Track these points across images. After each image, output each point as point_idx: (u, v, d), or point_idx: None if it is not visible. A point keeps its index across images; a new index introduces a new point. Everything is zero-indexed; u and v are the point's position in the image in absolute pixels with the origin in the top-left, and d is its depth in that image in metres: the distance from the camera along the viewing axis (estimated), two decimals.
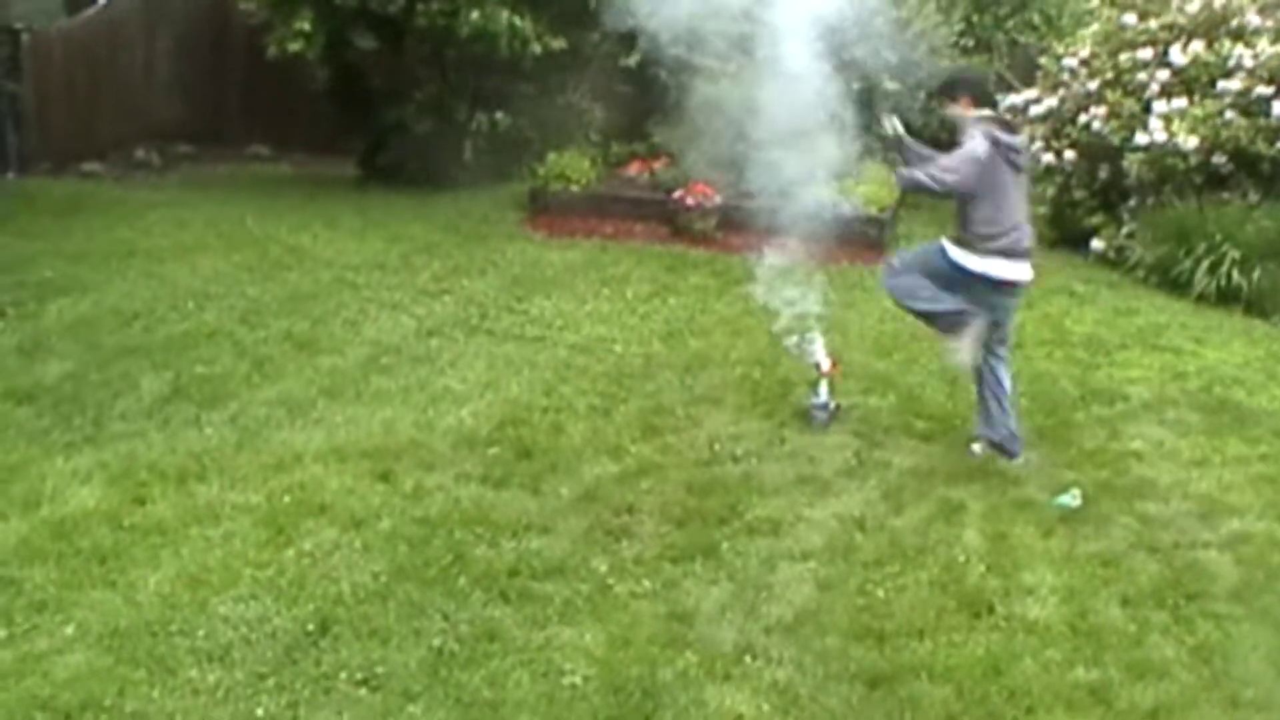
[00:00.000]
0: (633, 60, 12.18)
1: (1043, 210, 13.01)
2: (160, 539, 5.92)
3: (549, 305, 9.92)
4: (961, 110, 7.10)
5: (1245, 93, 11.28)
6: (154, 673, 4.91)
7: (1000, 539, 6.32)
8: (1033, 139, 12.72)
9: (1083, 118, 12.21)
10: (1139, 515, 6.66)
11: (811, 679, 5.10)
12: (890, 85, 7.28)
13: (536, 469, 6.90)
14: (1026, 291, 7.48)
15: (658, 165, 13.40)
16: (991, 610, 5.65)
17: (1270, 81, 11.24)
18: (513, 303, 9.95)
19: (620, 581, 5.77)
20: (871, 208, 12.08)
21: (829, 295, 8.51)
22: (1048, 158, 12.55)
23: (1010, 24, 14.84)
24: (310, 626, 5.26)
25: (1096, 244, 12.05)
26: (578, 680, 5.00)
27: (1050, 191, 12.76)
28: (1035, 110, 12.82)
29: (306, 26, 13.06)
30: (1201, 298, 10.73)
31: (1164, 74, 11.74)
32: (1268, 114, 11.12)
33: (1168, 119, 11.40)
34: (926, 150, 7.27)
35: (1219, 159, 11.25)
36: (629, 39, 11.36)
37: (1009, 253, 6.98)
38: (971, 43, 14.70)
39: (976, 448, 7.34)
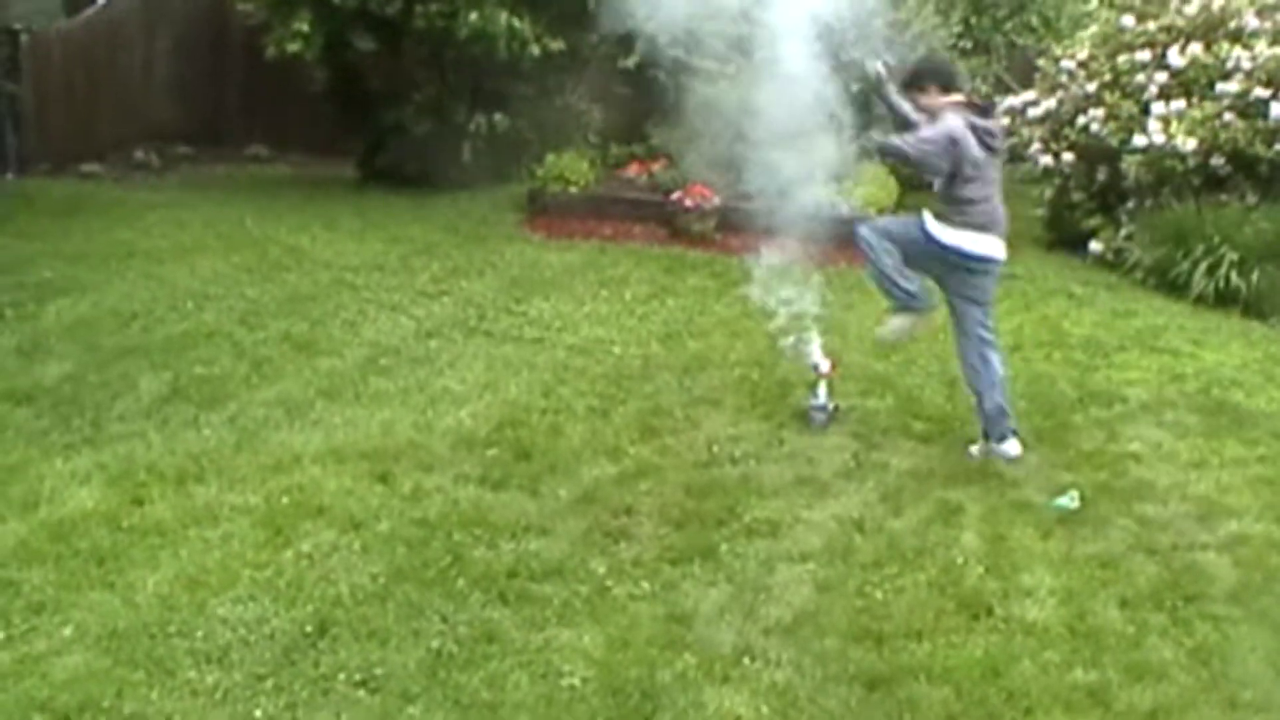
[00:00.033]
0: (631, 62, 12.19)
1: (1041, 212, 13.05)
2: (159, 540, 5.91)
3: (547, 307, 9.92)
4: (931, 100, 7.16)
5: (1243, 95, 11.29)
6: (152, 674, 4.91)
7: (999, 541, 6.32)
8: (1031, 141, 12.75)
9: (1081, 120, 12.22)
10: (1137, 517, 6.66)
11: (810, 680, 5.10)
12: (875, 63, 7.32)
13: (535, 470, 6.90)
14: (1001, 272, 7.53)
15: (656, 167, 13.41)
16: (990, 612, 5.65)
17: (1268, 84, 11.24)
18: (511, 304, 9.95)
19: (619, 583, 5.77)
20: (870, 209, 12.07)
21: (827, 296, 8.50)
22: (1046, 160, 12.56)
23: (1009, 26, 14.84)
24: (309, 628, 5.25)
25: (1095, 246, 12.05)
26: (576, 682, 5.00)
27: (1048, 193, 12.79)
28: (1033, 112, 12.83)
29: (305, 27, 13.07)
30: (1200, 300, 10.73)
31: (1162, 76, 11.75)
32: (1266, 116, 11.13)
33: (1166, 121, 11.40)
34: (906, 105, 7.34)
35: (1217, 161, 11.25)
36: (628, 40, 11.36)
37: (982, 227, 7.11)
38: (970, 44, 14.70)
39: (975, 449, 7.35)
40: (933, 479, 7.03)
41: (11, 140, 14.24)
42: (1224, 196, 11.29)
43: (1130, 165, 11.58)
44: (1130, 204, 11.94)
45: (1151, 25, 12.27)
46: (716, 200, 12.19)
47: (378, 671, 4.99)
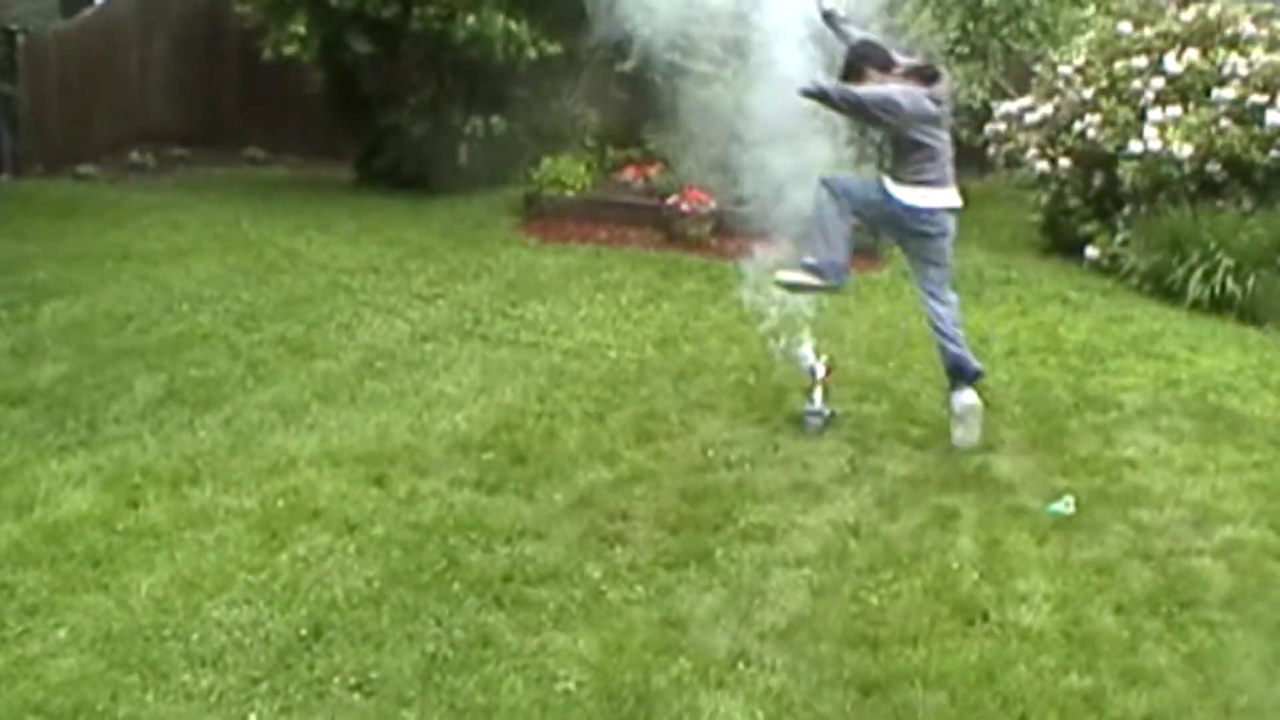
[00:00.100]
0: (628, 65, 12.19)
1: (1037, 218, 13.08)
2: (153, 543, 5.90)
3: (543, 310, 9.92)
4: (872, 84, 7.24)
5: (1239, 101, 11.31)
6: (147, 677, 4.89)
7: (994, 546, 6.32)
8: (1027, 146, 12.77)
9: (1077, 125, 12.23)
10: (1133, 523, 6.67)
11: (805, 685, 5.09)
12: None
13: (530, 474, 6.89)
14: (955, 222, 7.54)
15: (652, 171, 13.41)
16: (985, 617, 5.65)
17: (1264, 90, 11.27)
18: (507, 308, 9.95)
19: (614, 587, 5.76)
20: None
21: (821, 301, 8.50)
22: (1042, 165, 12.58)
23: (1005, 31, 14.82)
24: (303, 631, 5.24)
25: (1091, 251, 12.06)
26: (571, 686, 4.99)
27: (1044, 199, 12.80)
28: (1030, 118, 12.84)
29: (302, 30, 13.09)
30: (1195, 305, 10.75)
31: (1159, 82, 11.76)
32: (1262, 122, 11.15)
33: (1162, 127, 11.42)
34: (859, 33, 7.47)
35: (1213, 167, 11.27)
36: (624, 44, 11.37)
37: (936, 183, 7.26)
38: (967, 50, 14.68)
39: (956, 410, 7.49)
40: (928, 484, 7.03)
41: (7, 141, 14.25)
42: (1220, 203, 11.30)
43: (1126, 171, 11.60)
44: (1126, 210, 11.96)
45: (1148, 31, 12.29)
46: (713, 204, 12.20)
47: (373, 675, 4.98)
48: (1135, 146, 11.51)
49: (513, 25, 13.08)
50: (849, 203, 7.40)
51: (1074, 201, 12.46)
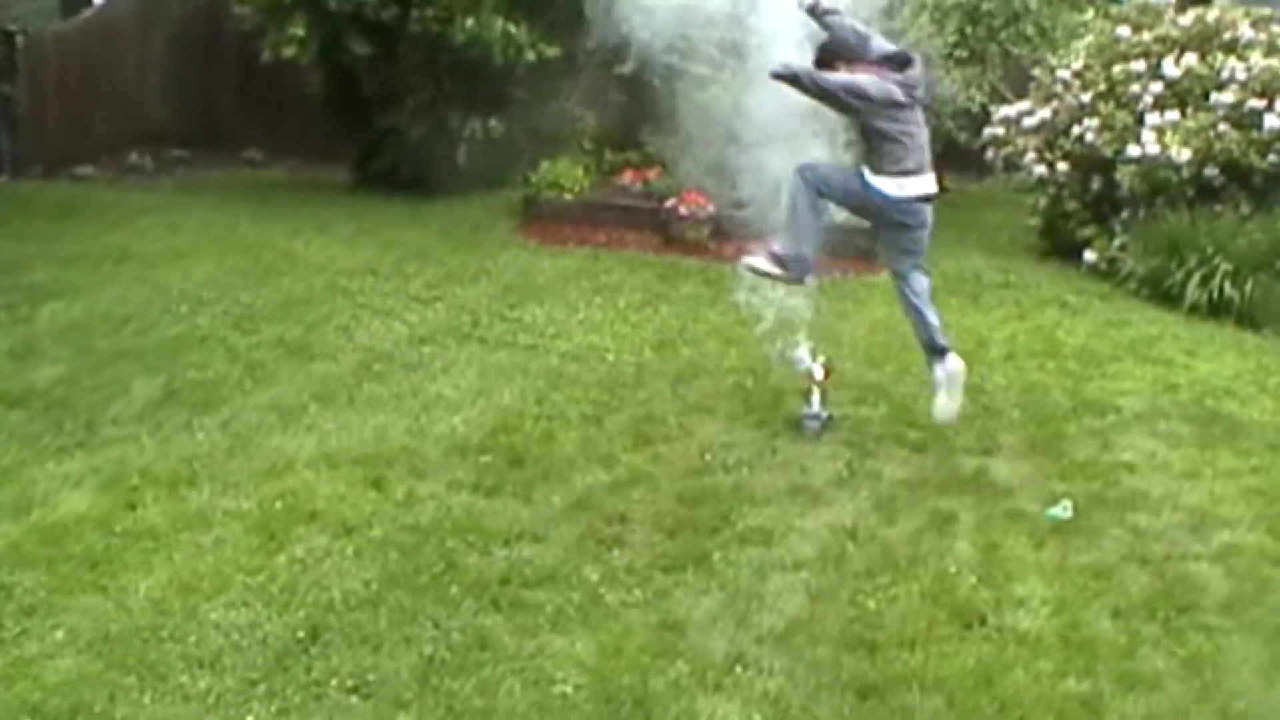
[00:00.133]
0: (626, 68, 12.19)
1: (1035, 221, 13.07)
2: (151, 544, 5.91)
3: (541, 313, 9.92)
4: (845, 74, 7.23)
5: (1238, 105, 11.31)
6: (144, 679, 4.90)
7: (992, 550, 6.33)
8: (1025, 150, 12.76)
9: (1076, 129, 12.22)
10: (1130, 527, 6.67)
11: (803, 689, 5.10)
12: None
13: (528, 477, 6.89)
14: (934, 209, 7.49)
15: (651, 174, 13.40)
16: (983, 621, 5.65)
17: (1262, 94, 11.27)
18: (505, 310, 9.94)
19: (611, 590, 5.76)
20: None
21: (820, 305, 8.50)
22: (1040, 169, 12.57)
23: (1004, 35, 14.82)
24: (301, 633, 5.25)
25: (1088, 255, 12.06)
26: (569, 689, 5.00)
27: (1043, 203, 12.79)
28: (1028, 122, 12.83)
29: (301, 32, 13.08)
30: (1193, 310, 10.75)
31: (1157, 86, 11.76)
32: (1260, 127, 11.16)
33: (1160, 131, 11.42)
34: (849, 26, 7.41)
35: (1211, 171, 11.28)
36: (623, 47, 11.37)
37: (912, 171, 7.21)
38: (965, 54, 14.69)
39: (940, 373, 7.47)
40: (926, 488, 7.03)
41: (6, 142, 14.25)
42: (1218, 207, 11.30)
43: (1125, 175, 11.60)
44: (1124, 214, 11.95)
45: (1146, 36, 12.29)
46: (711, 208, 12.19)
47: (370, 678, 4.99)
48: (1133, 151, 11.51)
49: (511, 28, 13.09)
50: (829, 191, 7.36)
51: (1072, 205, 12.46)
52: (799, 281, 7.61)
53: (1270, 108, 11.14)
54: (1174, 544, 6.50)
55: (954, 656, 5.36)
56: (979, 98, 14.33)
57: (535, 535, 6.23)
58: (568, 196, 13.09)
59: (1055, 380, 8.93)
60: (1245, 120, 11.27)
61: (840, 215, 11.41)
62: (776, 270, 7.47)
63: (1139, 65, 12.00)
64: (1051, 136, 12.58)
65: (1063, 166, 12.36)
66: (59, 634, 5.15)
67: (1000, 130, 13.22)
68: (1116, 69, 12.14)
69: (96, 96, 15.29)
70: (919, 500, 6.87)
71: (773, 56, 7.66)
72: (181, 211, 12.80)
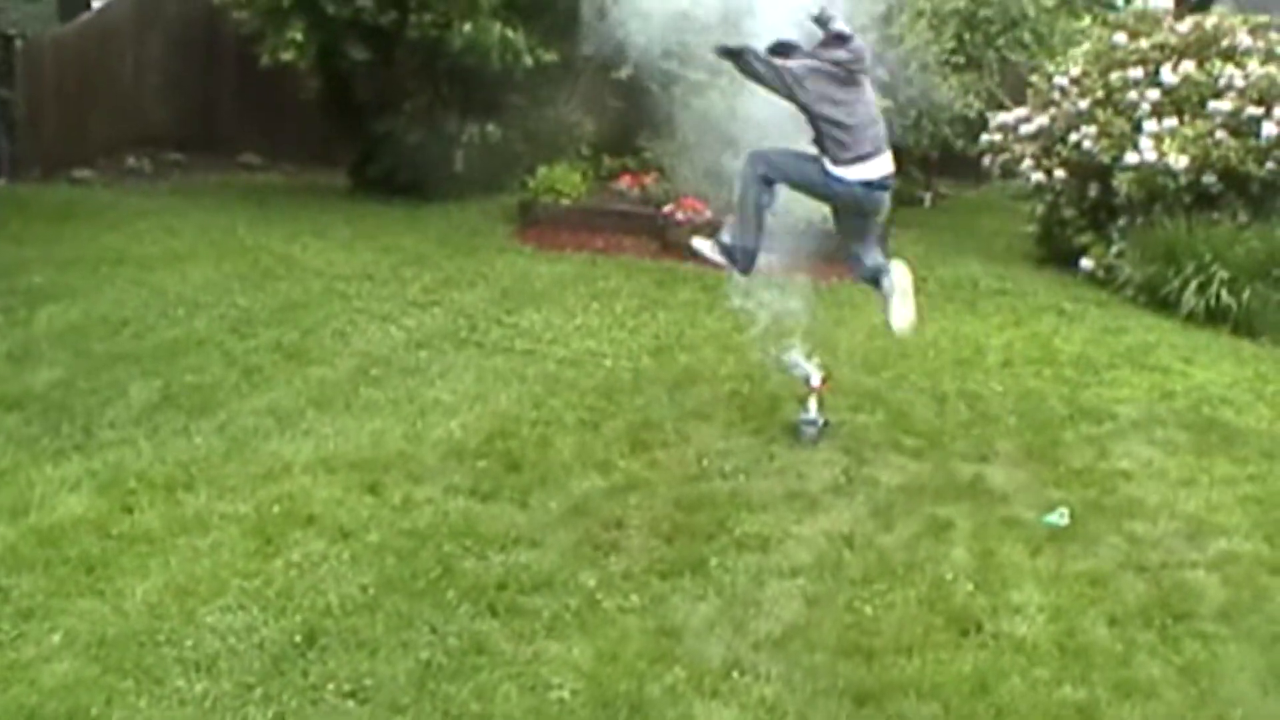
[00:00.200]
0: (624, 73, 12.20)
1: (1032, 228, 13.10)
2: (148, 548, 5.90)
3: (538, 318, 9.92)
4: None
5: (1235, 113, 11.34)
6: (141, 682, 4.89)
7: (988, 557, 6.33)
8: (1023, 157, 12.79)
9: (1073, 136, 12.25)
10: (1127, 535, 6.67)
11: (799, 695, 5.10)
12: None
13: (525, 482, 6.89)
14: (889, 189, 7.50)
15: (648, 179, 13.40)
16: (979, 628, 5.65)
17: (1260, 102, 11.30)
18: (502, 315, 9.95)
19: (608, 596, 5.76)
20: None
21: (817, 311, 8.50)
22: (1037, 176, 12.61)
23: (1001, 42, 14.86)
24: (298, 638, 5.24)
25: (1086, 263, 12.08)
26: (565, 695, 5.00)
27: (1040, 210, 12.83)
28: (1026, 129, 12.87)
29: (298, 36, 13.07)
30: (1190, 317, 10.77)
31: (1154, 93, 11.79)
32: (1258, 134, 11.18)
33: (1158, 138, 11.44)
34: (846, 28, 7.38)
35: (1209, 179, 11.30)
36: (620, 52, 11.37)
37: (869, 155, 7.17)
38: (963, 60, 14.73)
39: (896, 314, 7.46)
40: (923, 495, 7.03)
41: (4, 145, 14.24)
42: (1215, 214, 11.33)
43: (1122, 182, 11.62)
44: (1121, 221, 11.98)
45: (1144, 43, 12.32)
46: (708, 213, 12.18)
47: (367, 682, 4.98)
48: (1131, 158, 11.54)
49: (509, 33, 13.09)
50: (784, 178, 7.36)
51: (1069, 212, 12.49)
52: (745, 272, 7.59)
53: (1268, 115, 11.17)
54: (1170, 551, 6.50)
55: (950, 663, 5.36)
56: (976, 104, 14.38)
57: (532, 540, 6.23)
58: (565, 202, 13.11)
59: (1052, 387, 8.94)
60: (1243, 128, 11.30)
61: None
62: (721, 260, 7.50)
63: (1137, 72, 12.03)
64: (1049, 143, 12.62)
65: (1060, 173, 12.39)
66: (55, 637, 5.14)
67: (997, 137, 13.25)
68: (1114, 76, 12.17)
69: (94, 100, 15.28)
70: (916, 507, 6.87)
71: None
72: (179, 215, 12.80)
